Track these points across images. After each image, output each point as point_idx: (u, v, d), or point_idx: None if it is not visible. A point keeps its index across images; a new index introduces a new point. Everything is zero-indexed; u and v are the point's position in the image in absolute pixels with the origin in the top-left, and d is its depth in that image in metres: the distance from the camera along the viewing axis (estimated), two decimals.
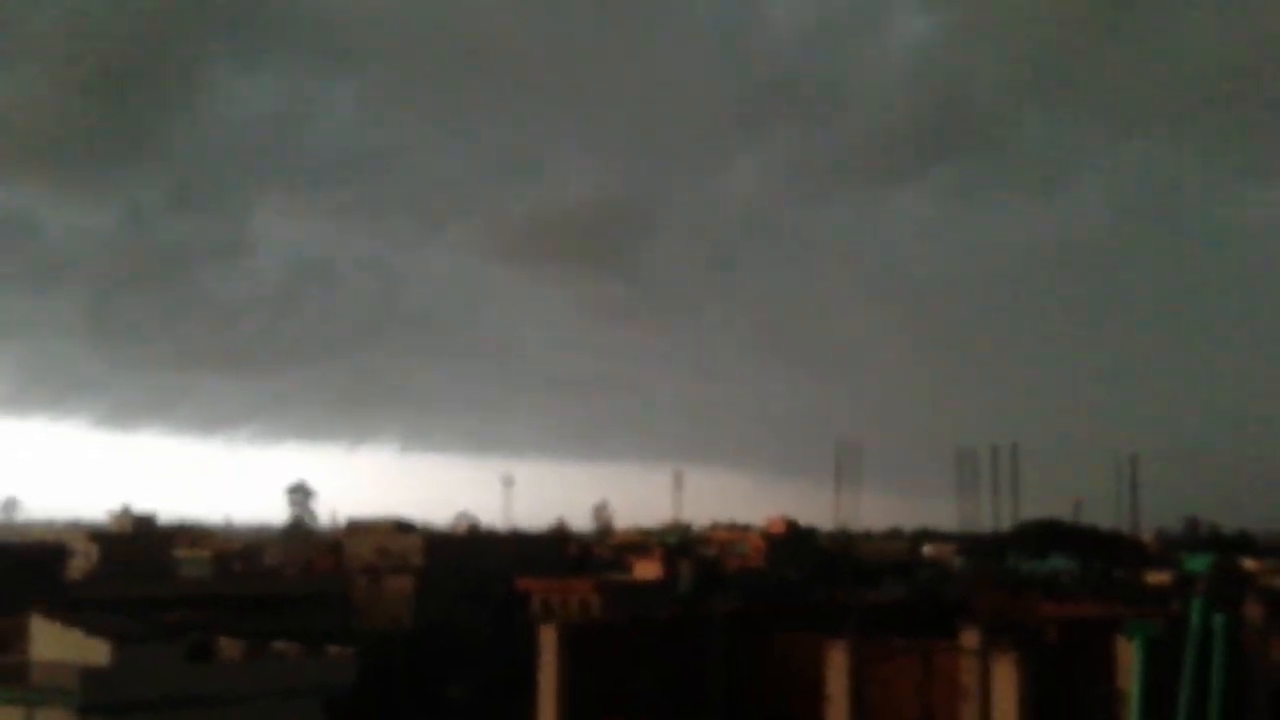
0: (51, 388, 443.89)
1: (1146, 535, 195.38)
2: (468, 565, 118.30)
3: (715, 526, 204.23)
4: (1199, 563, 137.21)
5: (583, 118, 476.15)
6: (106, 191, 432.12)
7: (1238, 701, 29.73)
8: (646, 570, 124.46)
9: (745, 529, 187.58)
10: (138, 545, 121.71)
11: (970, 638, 23.20)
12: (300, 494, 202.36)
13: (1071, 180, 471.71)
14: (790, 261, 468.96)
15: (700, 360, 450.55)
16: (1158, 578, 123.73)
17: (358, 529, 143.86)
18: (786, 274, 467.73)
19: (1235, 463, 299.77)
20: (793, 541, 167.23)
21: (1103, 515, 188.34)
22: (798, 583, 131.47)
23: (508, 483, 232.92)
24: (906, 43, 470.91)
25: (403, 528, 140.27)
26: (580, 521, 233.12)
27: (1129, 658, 20.39)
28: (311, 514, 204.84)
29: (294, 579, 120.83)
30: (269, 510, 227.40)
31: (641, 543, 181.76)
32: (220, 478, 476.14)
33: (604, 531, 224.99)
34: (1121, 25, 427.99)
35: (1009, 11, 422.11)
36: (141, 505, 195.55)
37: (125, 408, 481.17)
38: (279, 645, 55.87)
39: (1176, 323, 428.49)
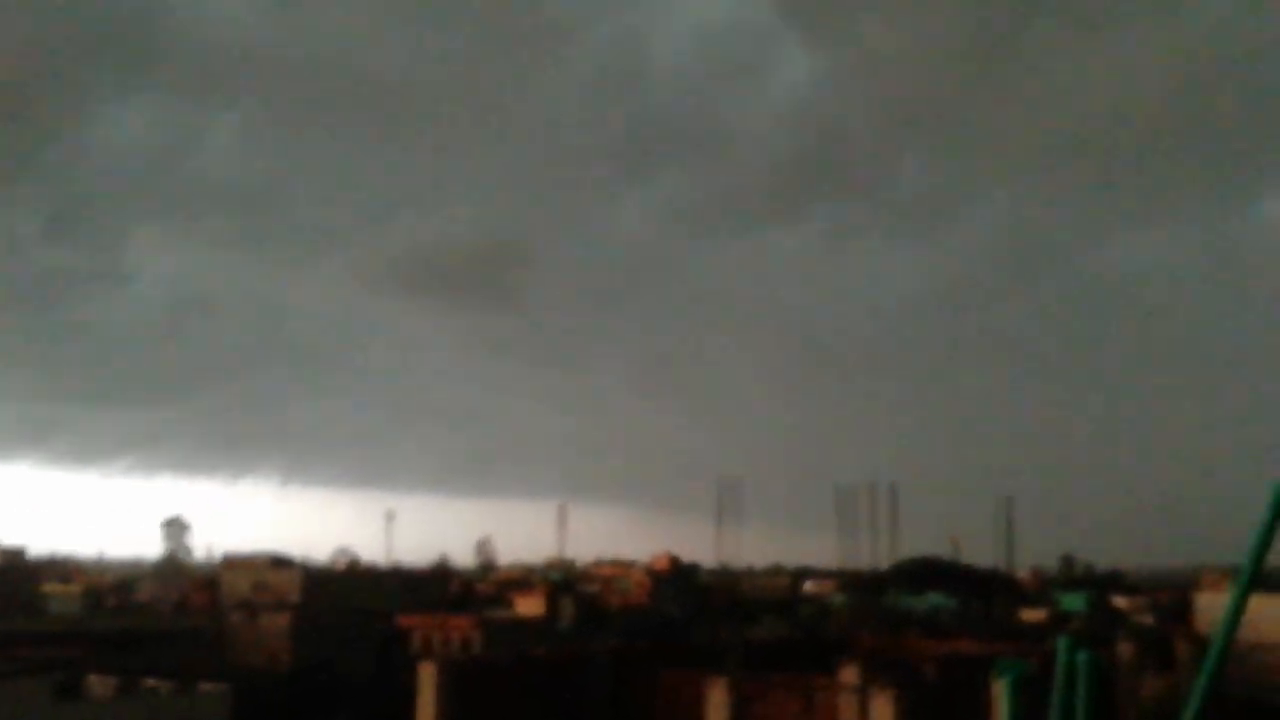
0: None
1: (1023, 573, 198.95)
2: (347, 601, 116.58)
3: (599, 562, 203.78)
4: (1074, 600, 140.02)
5: (469, 153, 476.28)
6: None
7: None
8: (529, 607, 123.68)
9: (629, 565, 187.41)
10: (5, 579, 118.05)
11: (849, 674, 23.34)
12: (176, 528, 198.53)
13: (948, 224, 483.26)
14: (675, 300, 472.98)
15: (585, 396, 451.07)
16: (1034, 615, 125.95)
17: (234, 564, 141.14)
18: (671, 312, 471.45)
19: (1108, 502, 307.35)
20: (676, 578, 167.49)
21: (981, 553, 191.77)
22: (680, 619, 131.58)
23: (390, 517, 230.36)
24: (789, 86, 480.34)
25: (280, 563, 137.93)
26: (463, 557, 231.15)
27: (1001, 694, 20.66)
28: (186, 548, 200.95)
29: (167, 615, 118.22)
30: (143, 545, 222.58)
31: (524, 579, 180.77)
32: (94, 511, 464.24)
33: (487, 567, 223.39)
34: (996, 74, 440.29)
35: (888, 57, 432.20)
36: (11, 538, 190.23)
37: None
38: (150, 683, 54.51)
39: (1050, 365, 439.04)
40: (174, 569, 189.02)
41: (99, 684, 53.44)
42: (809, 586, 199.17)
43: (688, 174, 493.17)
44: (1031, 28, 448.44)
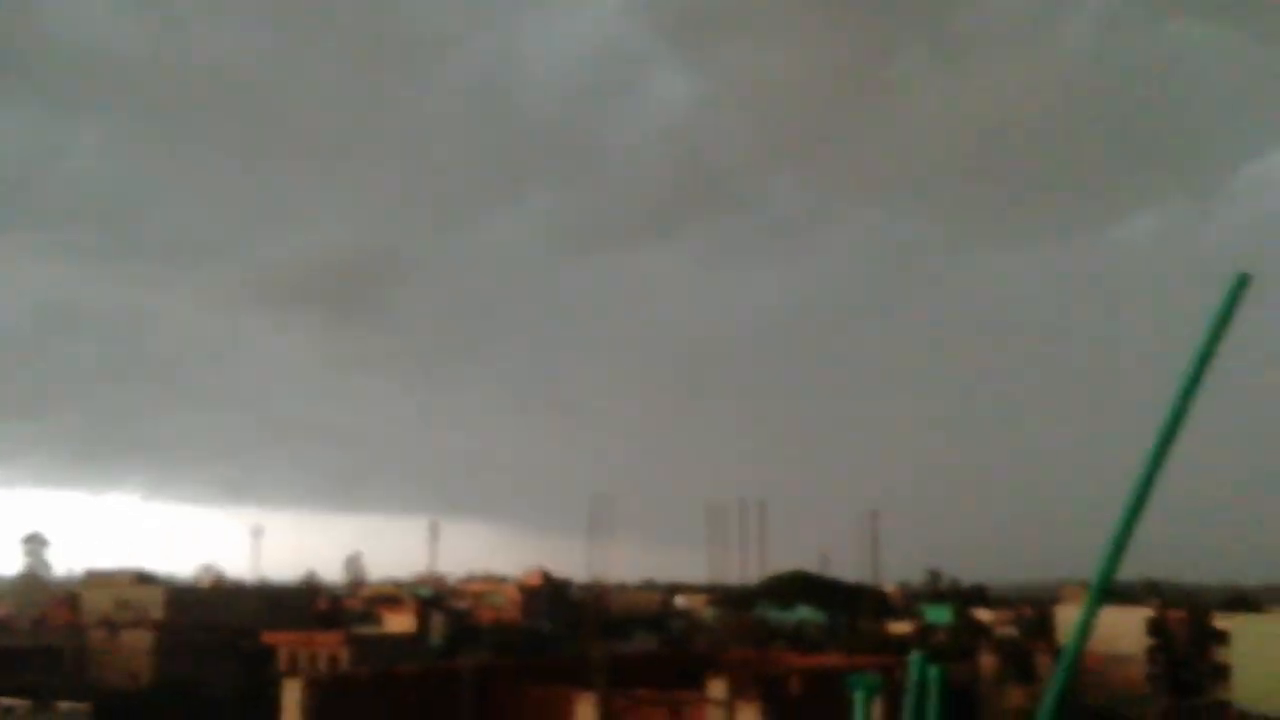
0: None
1: (890, 587, 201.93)
2: (213, 619, 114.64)
3: (471, 578, 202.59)
4: (939, 613, 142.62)
5: (341, 167, 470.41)
6: None
7: None
8: (398, 623, 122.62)
9: (501, 581, 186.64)
10: None
11: (717, 688, 23.62)
12: (35, 543, 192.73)
13: (818, 244, 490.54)
14: (548, 316, 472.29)
15: (456, 412, 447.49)
16: (901, 628, 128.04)
17: (96, 580, 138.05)
18: (544, 329, 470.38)
19: (974, 517, 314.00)
20: (548, 593, 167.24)
21: (849, 568, 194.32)
22: (552, 634, 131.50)
23: (256, 533, 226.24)
24: (663, 105, 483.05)
25: (144, 579, 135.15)
26: (333, 574, 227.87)
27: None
28: (45, 564, 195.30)
29: (26, 632, 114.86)
30: (1, 560, 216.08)
31: (394, 595, 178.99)
32: None
33: (356, 583, 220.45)
34: (866, 97, 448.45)
35: (760, 80, 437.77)
36: None
37: None
38: (7, 701, 53.10)
39: (916, 382, 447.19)
40: (33, 585, 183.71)
41: None
42: (680, 601, 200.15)
43: (562, 190, 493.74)
44: (902, 52, 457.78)
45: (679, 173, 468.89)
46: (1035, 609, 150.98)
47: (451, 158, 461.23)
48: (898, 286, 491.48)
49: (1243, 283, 4.76)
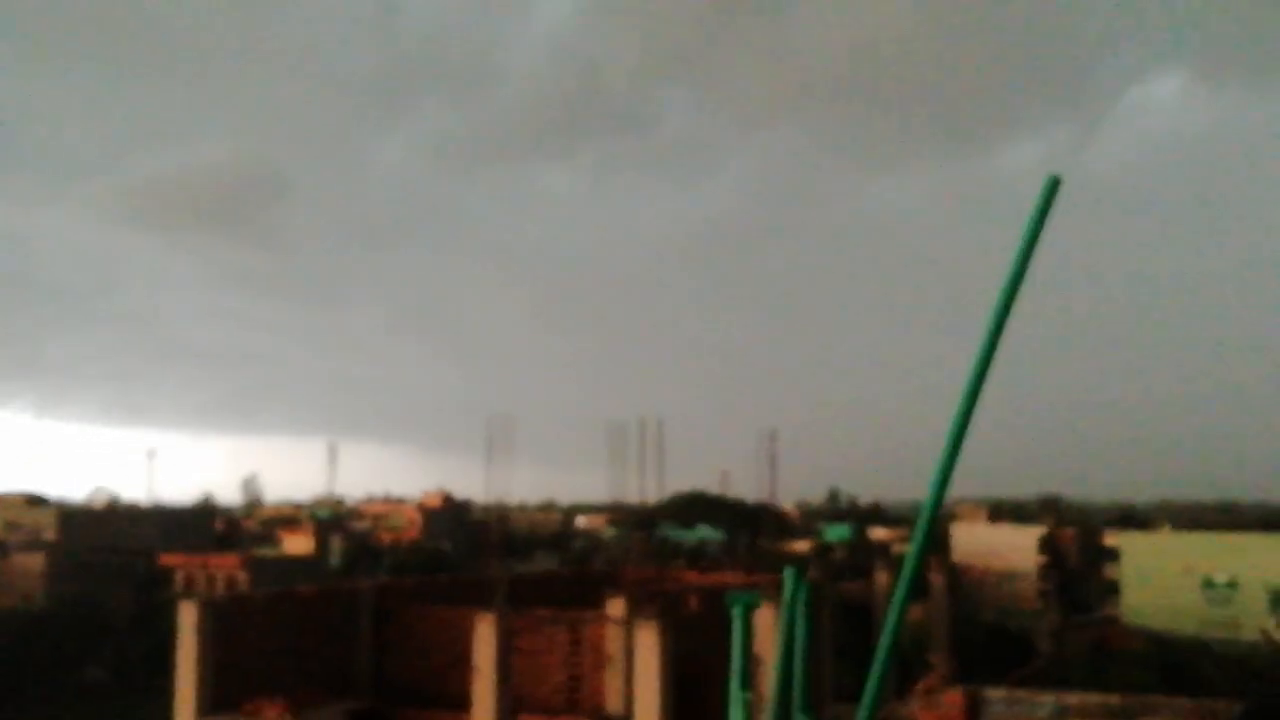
0: None
1: (789, 506, 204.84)
2: (107, 541, 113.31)
3: (370, 500, 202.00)
4: (837, 532, 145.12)
5: (225, 83, 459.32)
6: None
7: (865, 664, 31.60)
8: (297, 545, 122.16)
9: (400, 502, 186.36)
10: None
11: (616, 606, 23.81)
12: None
13: (709, 166, 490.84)
14: (439, 236, 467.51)
15: (347, 335, 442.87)
16: (799, 546, 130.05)
17: None
18: (435, 249, 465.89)
19: (871, 438, 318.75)
20: (448, 514, 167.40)
21: (748, 488, 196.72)
22: (453, 556, 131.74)
23: (150, 455, 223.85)
24: (552, 21, 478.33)
25: (34, 501, 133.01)
26: (229, 495, 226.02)
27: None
28: None
29: None
30: None
31: (292, 517, 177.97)
32: None
33: (253, 505, 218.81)
34: (754, 16, 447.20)
35: None
36: None
37: None
38: None
39: (811, 306, 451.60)
40: None
41: None
42: (581, 522, 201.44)
43: (451, 108, 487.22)
44: None
45: (568, 91, 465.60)
46: None
47: (338, 74, 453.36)
48: (787, 210, 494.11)
49: (1054, 185, 4.83)
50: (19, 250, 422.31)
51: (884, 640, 4.94)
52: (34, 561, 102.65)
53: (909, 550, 4.91)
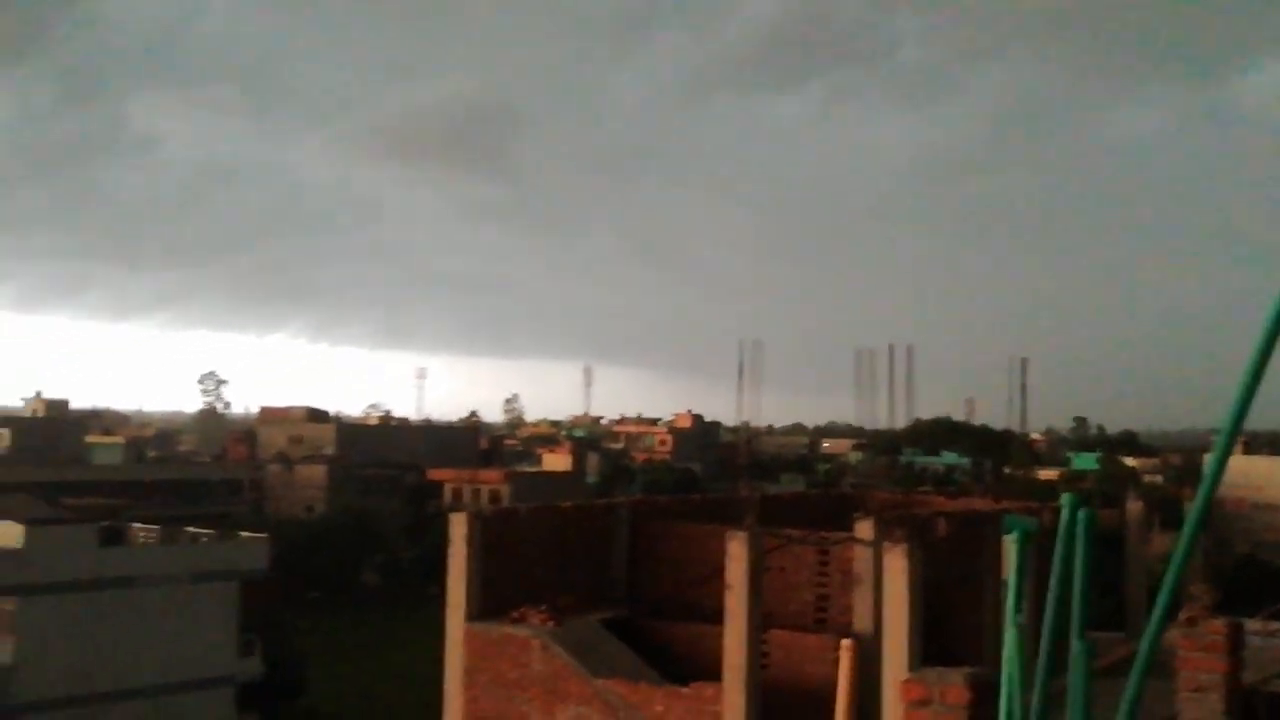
0: None
1: (1036, 434, 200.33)
2: (380, 455, 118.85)
3: (623, 420, 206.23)
4: (1086, 460, 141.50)
5: (461, 19, 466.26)
6: None
7: (1118, 594, 31.46)
8: (556, 462, 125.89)
9: (653, 423, 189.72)
10: (51, 430, 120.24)
11: (865, 529, 24.29)
12: (212, 382, 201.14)
13: (947, 92, 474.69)
14: (672, 167, 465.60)
15: (586, 264, 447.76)
16: (1047, 474, 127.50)
17: (271, 417, 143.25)
18: (668, 179, 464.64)
19: (1122, 365, 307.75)
20: (698, 436, 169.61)
21: (995, 415, 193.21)
22: (702, 475, 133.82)
23: (420, 375, 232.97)
24: None
25: (316, 416, 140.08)
26: (492, 414, 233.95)
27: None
28: (224, 402, 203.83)
29: (207, 466, 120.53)
30: (180, 398, 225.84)
31: (551, 435, 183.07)
32: (129, 364, 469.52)
33: (514, 424, 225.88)
34: None
35: None
36: (53, 391, 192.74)
37: (29, 294, 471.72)
38: (191, 530, 56.26)
39: (1059, 232, 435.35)
40: (213, 422, 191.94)
41: (142, 532, 55.21)
42: (827, 445, 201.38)
43: (685, 40, 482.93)
44: None
45: (801, 20, 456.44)
46: (1184, 457, 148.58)
47: (574, 8, 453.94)
48: (1030, 136, 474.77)
49: None
50: (284, 185, 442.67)
51: (1170, 574, 5.51)
52: (316, 473, 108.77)
53: (1200, 487, 5.43)
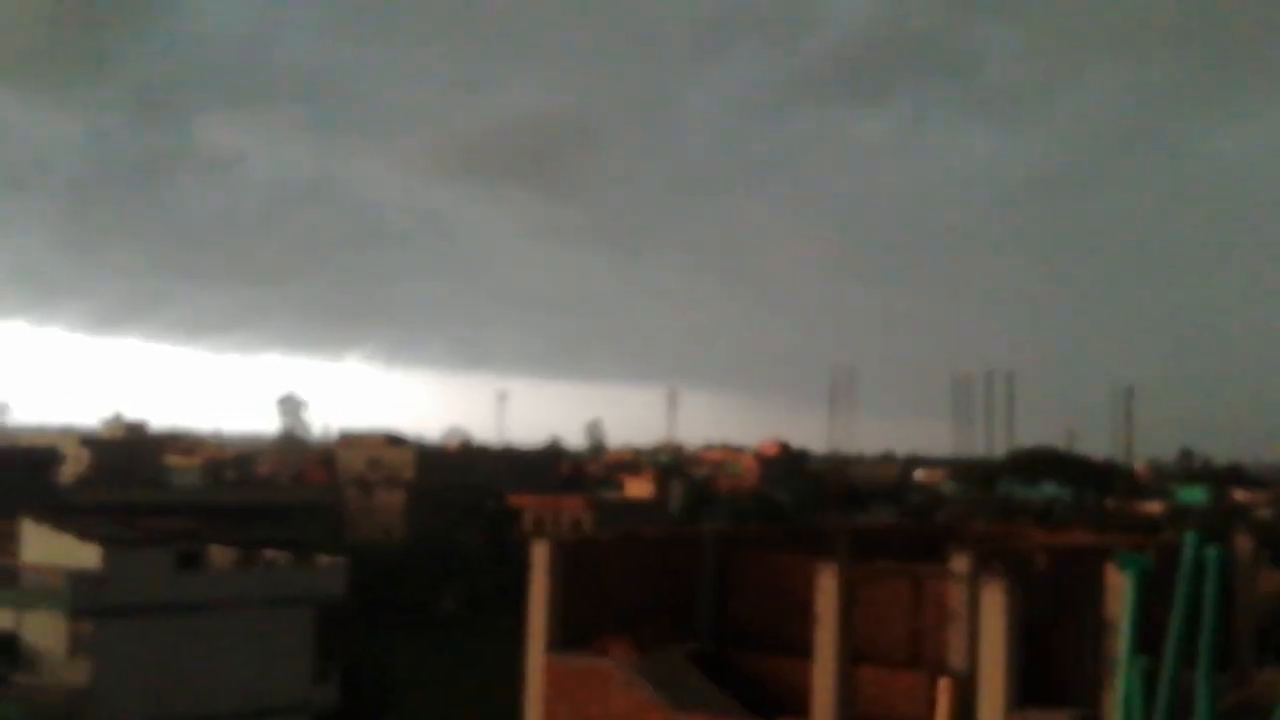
0: (29, 291, 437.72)
1: (1139, 465, 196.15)
2: (460, 480, 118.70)
3: (708, 447, 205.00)
4: (1192, 494, 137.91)
5: (531, 35, 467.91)
6: (71, 103, 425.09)
7: (1226, 633, 29.72)
8: (638, 489, 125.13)
9: (738, 450, 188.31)
10: (129, 452, 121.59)
11: (960, 562, 23.15)
12: (291, 404, 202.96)
13: (1037, 108, 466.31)
14: (750, 185, 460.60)
15: (667, 284, 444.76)
16: (1150, 508, 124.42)
17: (349, 441, 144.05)
18: (747, 198, 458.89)
19: (1229, 395, 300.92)
20: (785, 463, 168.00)
21: (1096, 444, 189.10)
22: (789, 504, 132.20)
23: (501, 398, 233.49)
24: None
25: (394, 440, 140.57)
26: (573, 439, 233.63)
27: (1120, 587, 20.28)
28: (304, 424, 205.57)
29: (286, 489, 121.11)
30: (258, 419, 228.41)
31: (634, 462, 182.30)
32: (204, 385, 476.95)
33: (596, 449, 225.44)
34: None
35: None
36: (131, 411, 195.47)
37: (105, 313, 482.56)
38: (269, 554, 55.93)
39: (1157, 257, 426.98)
40: (292, 445, 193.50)
41: (219, 555, 54.88)
42: (920, 475, 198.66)
43: (763, 54, 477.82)
44: None
45: (885, 34, 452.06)
46: None
47: (647, 22, 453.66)
48: (1128, 153, 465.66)
49: None
50: (355, 204, 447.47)
51: None
52: (394, 498, 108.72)
53: None
